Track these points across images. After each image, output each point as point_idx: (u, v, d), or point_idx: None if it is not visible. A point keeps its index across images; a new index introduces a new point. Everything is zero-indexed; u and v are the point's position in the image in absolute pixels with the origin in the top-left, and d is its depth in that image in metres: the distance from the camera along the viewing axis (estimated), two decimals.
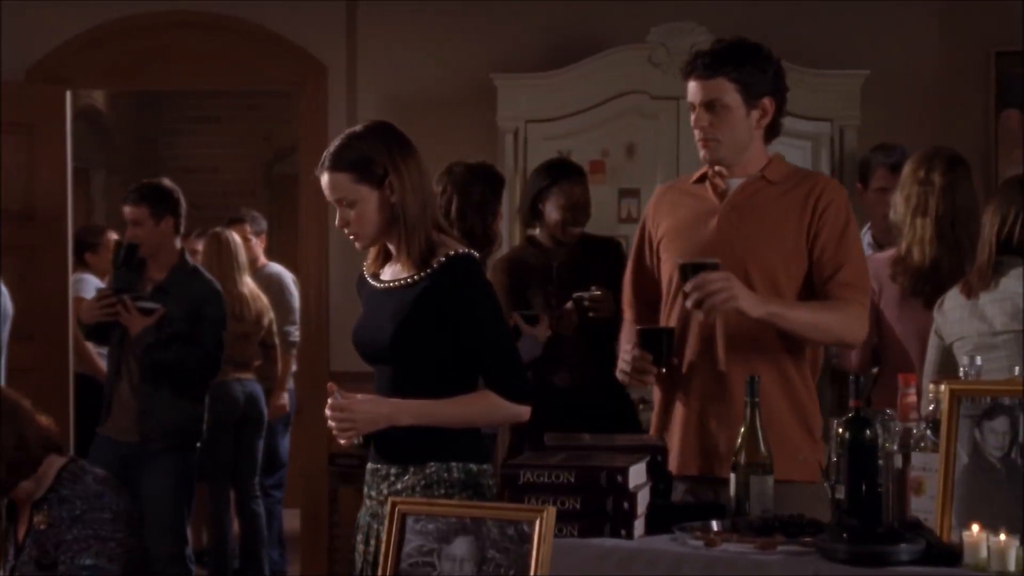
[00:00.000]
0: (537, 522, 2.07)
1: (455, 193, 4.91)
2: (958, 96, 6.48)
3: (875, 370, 4.68)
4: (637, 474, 3.01)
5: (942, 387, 2.84)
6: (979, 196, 4.60)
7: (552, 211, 5.08)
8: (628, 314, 3.72)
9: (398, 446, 3.19)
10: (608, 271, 4.94)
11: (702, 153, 3.51)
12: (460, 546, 2.06)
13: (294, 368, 7.34)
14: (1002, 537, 2.55)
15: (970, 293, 4.08)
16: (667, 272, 3.55)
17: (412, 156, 3.27)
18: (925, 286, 4.50)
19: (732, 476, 3.08)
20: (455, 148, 5.95)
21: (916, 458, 2.85)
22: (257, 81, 7.27)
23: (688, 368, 3.49)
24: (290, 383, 7.36)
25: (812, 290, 3.49)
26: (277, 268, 7.60)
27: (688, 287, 3.28)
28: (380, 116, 6.52)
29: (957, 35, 6.49)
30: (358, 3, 6.64)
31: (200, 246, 7.09)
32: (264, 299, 6.99)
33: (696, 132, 3.49)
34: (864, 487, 2.94)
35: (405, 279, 3.25)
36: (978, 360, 2.96)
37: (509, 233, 5.86)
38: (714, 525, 2.96)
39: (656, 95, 5.91)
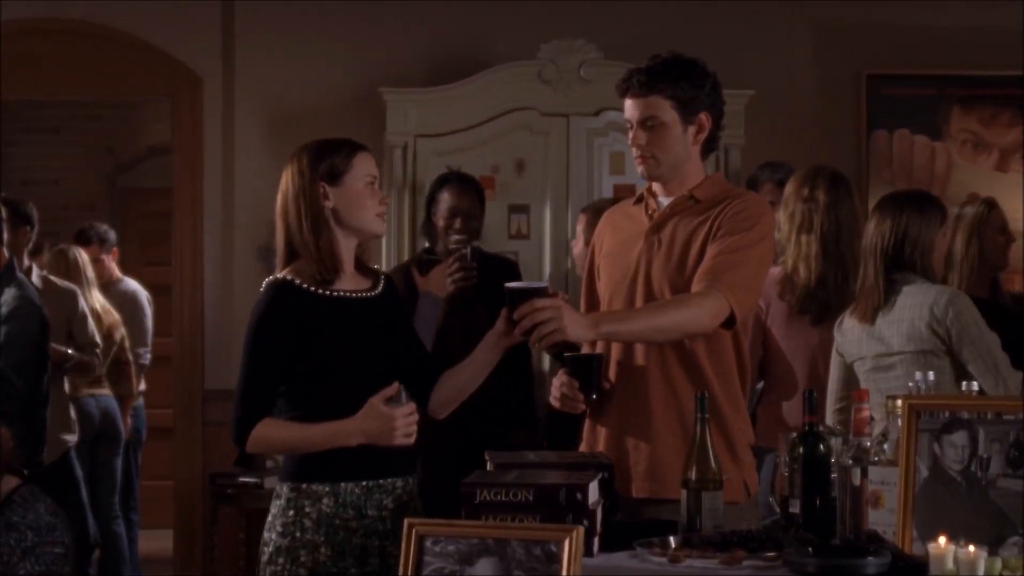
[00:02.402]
0: (567, 541, 2.03)
1: None
2: (832, 117, 6.64)
3: (760, 385, 4.75)
4: (593, 491, 2.99)
5: (899, 402, 2.88)
6: (860, 213, 4.70)
7: (440, 217, 5.08)
8: None
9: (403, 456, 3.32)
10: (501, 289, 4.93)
11: (640, 170, 3.50)
12: (484, 568, 2.01)
13: (142, 388, 7.19)
14: (971, 548, 2.59)
15: (864, 316, 4.16)
16: (601, 294, 3.56)
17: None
18: (812, 304, 4.58)
19: (683, 492, 3.07)
20: None
21: (874, 472, 2.89)
22: (128, 92, 7.10)
23: (609, 387, 3.48)
24: (139, 401, 7.20)
25: None
26: (133, 285, 7.40)
27: (516, 315, 3.17)
28: (259, 128, 6.48)
29: (831, 58, 6.65)
30: (235, 15, 6.52)
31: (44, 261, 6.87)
32: (115, 314, 6.80)
33: (634, 150, 3.48)
34: (819, 501, 2.98)
35: (366, 291, 3.38)
36: (931, 376, 3.02)
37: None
38: (672, 541, 2.95)
39: (546, 112, 5.93)
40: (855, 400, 2.99)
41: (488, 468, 3.21)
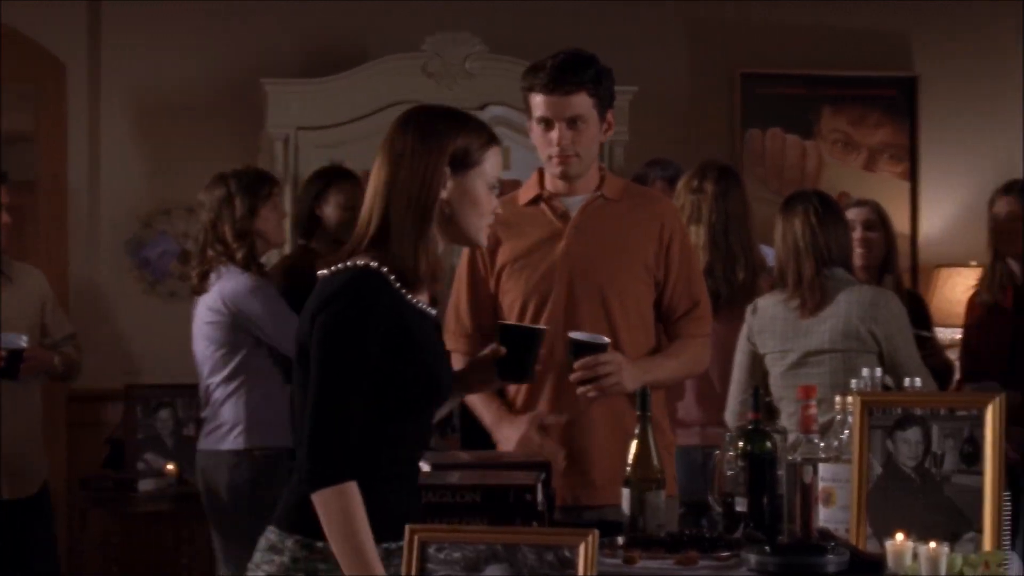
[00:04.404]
0: (581, 547, 1.96)
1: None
2: (707, 115, 6.67)
3: None
4: (538, 492, 2.92)
5: (850, 398, 2.87)
6: (750, 205, 4.75)
7: (332, 212, 4.99)
8: (462, 345, 3.53)
9: None
10: None
11: (559, 170, 3.44)
12: (493, 575, 1.92)
13: None
14: (932, 544, 2.59)
15: (804, 312, 4.19)
16: (512, 300, 3.47)
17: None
18: None
19: (625, 491, 3.02)
20: (218, 154, 5.74)
21: (825, 469, 2.88)
22: None
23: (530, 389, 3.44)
24: None
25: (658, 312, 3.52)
26: None
27: (577, 365, 3.24)
28: (127, 117, 6.26)
29: (706, 56, 6.69)
30: (102, 1, 6.28)
31: None
32: None
33: (554, 148, 3.41)
34: (766, 499, 2.96)
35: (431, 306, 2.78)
36: (878, 372, 3.02)
37: None
38: (619, 541, 2.90)
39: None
40: (802, 396, 2.97)
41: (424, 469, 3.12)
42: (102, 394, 6.02)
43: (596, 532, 2.04)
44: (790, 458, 2.93)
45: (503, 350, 2.85)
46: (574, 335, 3.26)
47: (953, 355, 5.30)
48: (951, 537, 2.69)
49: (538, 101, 3.42)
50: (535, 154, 5.69)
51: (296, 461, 2.58)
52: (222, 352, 4.59)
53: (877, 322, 4.15)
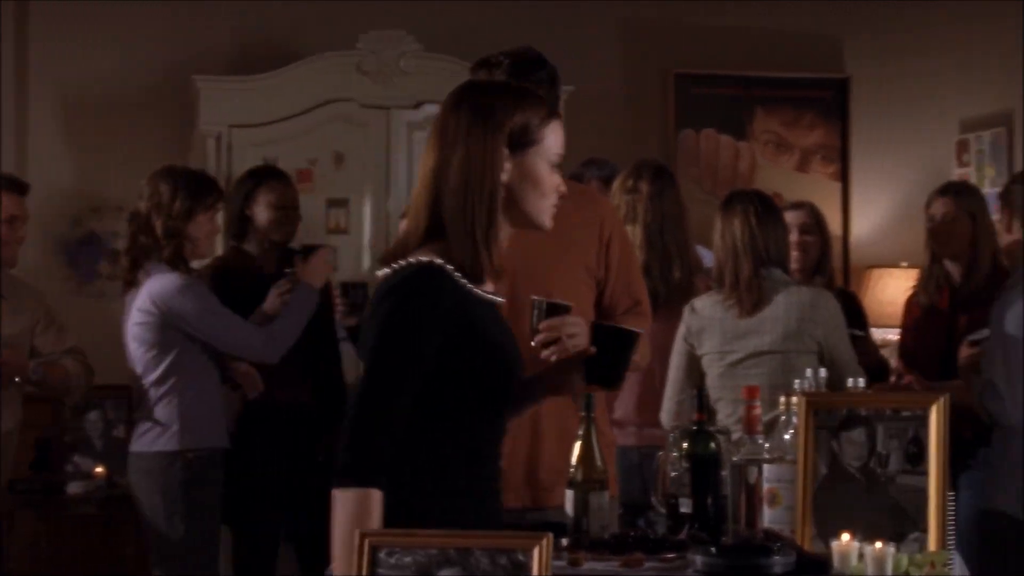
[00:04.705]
0: (535, 550, 1.93)
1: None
2: (641, 115, 6.67)
3: None
4: None
5: (794, 398, 2.87)
6: (685, 204, 4.76)
7: (262, 213, 4.94)
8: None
9: None
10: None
11: None
12: None
13: None
14: (878, 544, 2.59)
15: (742, 312, 4.20)
16: None
17: None
18: None
19: (569, 493, 3.00)
20: (149, 152, 5.66)
21: (769, 470, 2.87)
22: None
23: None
24: None
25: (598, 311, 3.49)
26: None
27: (543, 325, 3.09)
28: (56, 115, 6.16)
29: (640, 56, 6.69)
30: None
31: None
32: None
33: None
34: (710, 500, 2.95)
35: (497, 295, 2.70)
36: (822, 372, 3.02)
37: None
38: (563, 543, 2.88)
39: (365, 103, 5.80)
40: (747, 397, 2.97)
41: None
42: (30, 395, 5.91)
43: (550, 536, 2.02)
44: (735, 459, 2.92)
45: (593, 350, 2.71)
46: (538, 298, 3.14)
47: (886, 354, 5.34)
48: (896, 537, 2.70)
49: None
50: None
51: None
52: (153, 353, 4.52)
53: (816, 323, 4.18)
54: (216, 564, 4.65)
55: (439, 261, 2.42)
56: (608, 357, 2.70)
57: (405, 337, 2.39)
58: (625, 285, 3.49)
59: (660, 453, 3.10)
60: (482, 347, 2.46)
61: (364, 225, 5.80)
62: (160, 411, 4.51)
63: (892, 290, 6.21)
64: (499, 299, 2.59)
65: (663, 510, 3.05)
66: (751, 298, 4.20)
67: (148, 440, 4.51)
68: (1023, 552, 3.72)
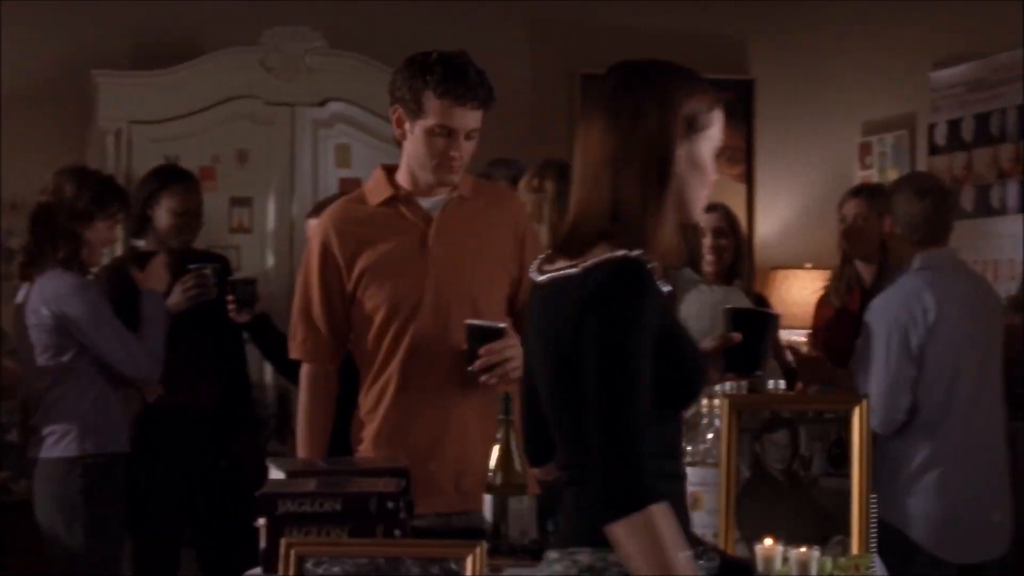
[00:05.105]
0: (469, 559, 1.87)
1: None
2: (546, 115, 6.63)
3: None
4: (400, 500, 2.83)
5: (716, 401, 2.84)
6: None
7: (163, 217, 4.87)
8: (318, 357, 3.42)
9: None
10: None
11: (446, 178, 3.35)
12: None
13: None
14: (803, 548, 2.57)
15: None
16: (375, 307, 3.35)
17: None
18: None
19: (488, 498, 2.95)
20: (45, 149, 5.54)
21: (693, 473, 2.83)
22: None
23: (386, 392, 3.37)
24: None
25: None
26: None
27: (484, 350, 3.20)
28: None
29: (546, 56, 6.66)
30: None
31: None
32: None
33: (447, 159, 3.32)
34: None
35: None
36: (780, 383, 2.99)
37: None
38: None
39: (270, 100, 5.68)
40: None
41: (271, 476, 3.00)
42: None
43: (484, 544, 1.96)
44: None
45: (737, 337, 2.52)
46: (474, 322, 3.21)
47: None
48: (819, 540, 2.68)
49: (443, 109, 3.29)
50: (377, 151, 5.70)
51: (576, 475, 2.26)
52: (47, 356, 4.41)
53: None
54: (118, 572, 4.54)
55: (635, 254, 2.22)
56: (748, 343, 2.51)
57: (635, 340, 2.19)
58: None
59: None
60: (680, 346, 2.30)
61: (268, 224, 5.69)
62: (58, 416, 4.39)
63: (796, 291, 6.23)
64: (670, 289, 2.38)
65: None
66: None
67: (47, 446, 4.39)
68: (897, 555, 3.70)
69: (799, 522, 2.71)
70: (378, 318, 3.34)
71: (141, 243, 4.97)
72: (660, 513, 2.12)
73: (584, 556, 2.20)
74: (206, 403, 4.86)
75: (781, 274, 6.49)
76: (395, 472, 3.00)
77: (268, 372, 5.48)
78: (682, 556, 2.14)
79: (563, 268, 2.28)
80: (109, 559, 4.44)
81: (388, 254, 3.35)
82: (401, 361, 3.33)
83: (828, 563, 2.58)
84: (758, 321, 2.58)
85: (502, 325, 3.25)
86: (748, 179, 6.88)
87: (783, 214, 6.77)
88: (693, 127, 2.30)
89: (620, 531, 2.12)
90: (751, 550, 2.64)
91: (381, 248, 3.36)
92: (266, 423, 5.43)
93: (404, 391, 3.32)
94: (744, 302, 4.26)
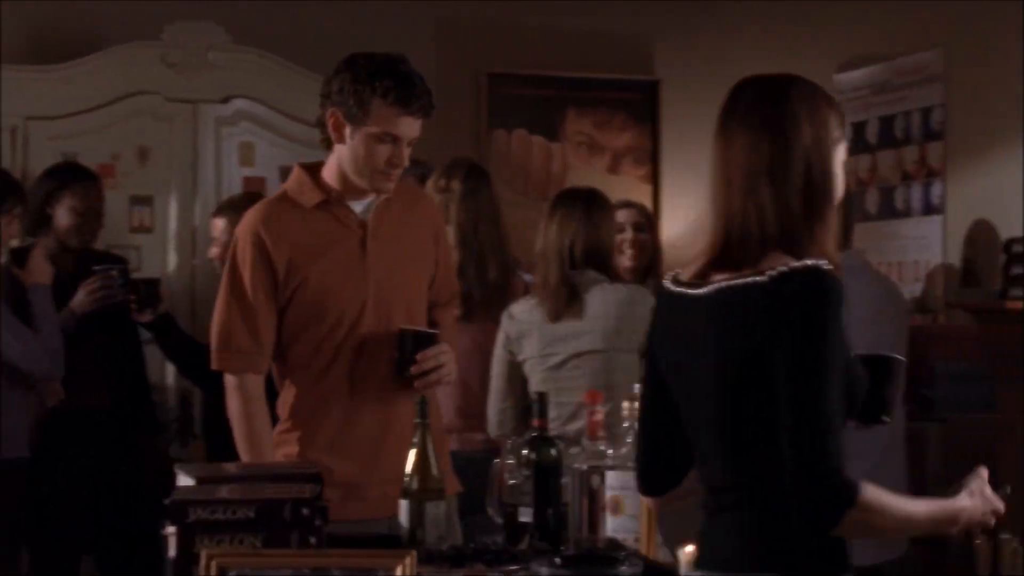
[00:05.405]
0: (399, 569, 1.81)
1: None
2: (452, 115, 6.55)
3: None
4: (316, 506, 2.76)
5: (637, 403, 2.80)
6: (499, 203, 4.70)
7: (64, 216, 4.78)
8: (254, 366, 3.31)
9: None
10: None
11: (383, 186, 3.30)
12: None
13: None
14: None
15: (551, 316, 4.15)
16: (314, 313, 3.29)
17: None
18: None
19: (404, 503, 2.89)
20: None
21: (613, 477, 2.80)
22: None
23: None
24: None
25: None
26: None
27: (421, 356, 3.21)
28: None
29: (452, 56, 6.60)
30: None
31: None
32: None
33: (388, 166, 3.27)
34: (551, 509, 2.87)
35: None
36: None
37: None
38: None
39: (171, 97, 5.56)
40: (588, 402, 2.89)
41: (179, 481, 2.92)
42: None
43: (414, 553, 1.91)
44: (577, 465, 2.84)
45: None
46: (409, 328, 3.23)
47: None
48: None
49: (390, 116, 3.24)
50: (282, 150, 5.61)
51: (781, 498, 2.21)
52: None
53: (636, 320, 4.13)
54: None
55: (823, 264, 2.24)
56: (873, 389, 2.44)
57: (836, 348, 2.21)
58: (447, 279, 3.52)
59: (496, 461, 3.01)
60: (848, 351, 2.28)
61: (169, 224, 5.57)
62: None
63: None
64: None
65: (499, 520, 2.96)
66: (563, 299, 4.15)
67: None
68: None
69: None
70: (321, 324, 3.29)
71: (14, 242, 4.84)
72: (868, 493, 2.17)
73: None
74: (106, 406, 4.77)
75: None
76: (308, 477, 2.94)
77: (170, 375, 5.37)
78: (911, 505, 2.24)
79: (733, 278, 2.27)
80: (6, 567, 4.32)
81: (332, 261, 3.30)
82: (347, 366, 3.28)
83: None
84: (887, 366, 2.56)
85: (435, 331, 3.26)
86: (654, 180, 6.89)
87: (689, 215, 6.76)
88: (834, 140, 2.35)
89: (847, 530, 2.18)
90: (674, 555, 2.60)
91: (322, 254, 3.30)
92: (168, 426, 5.32)
93: (347, 396, 3.27)
94: (648, 299, 4.22)
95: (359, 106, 3.21)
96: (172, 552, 2.57)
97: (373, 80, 3.20)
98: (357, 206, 3.33)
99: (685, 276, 2.36)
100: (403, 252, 3.35)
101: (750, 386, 2.22)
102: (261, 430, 3.32)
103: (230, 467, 3.05)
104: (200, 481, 2.87)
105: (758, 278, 2.24)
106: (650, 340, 2.43)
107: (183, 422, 5.39)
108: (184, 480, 2.89)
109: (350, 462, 3.22)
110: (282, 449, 3.33)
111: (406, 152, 3.28)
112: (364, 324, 3.28)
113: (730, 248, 2.30)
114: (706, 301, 2.29)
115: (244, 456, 3.31)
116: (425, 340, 3.24)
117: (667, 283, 2.39)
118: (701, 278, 2.32)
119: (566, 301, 4.14)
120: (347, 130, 3.25)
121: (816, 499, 2.16)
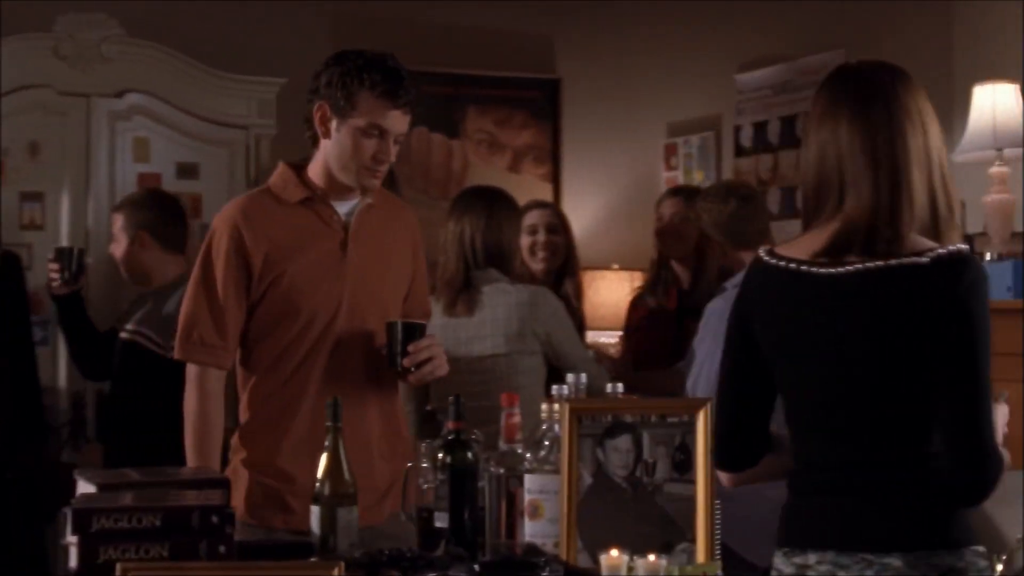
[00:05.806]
0: None
1: None
2: None
3: None
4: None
5: (556, 405, 2.74)
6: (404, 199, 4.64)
7: None
8: (225, 361, 3.24)
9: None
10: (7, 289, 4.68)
11: (369, 182, 3.22)
12: None
13: None
14: (651, 557, 2.49)
15: (447, 310, 4.09)
16: (292, 312, 3.21)
17: None
18: None
19: (315, 509, 2.79)
20: None
21: (532, 480, 2.73)
22: None
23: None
24: None
25: None
26: None
27: (413, 347, 3.14)
28: None
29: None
30: None
31: None
32: None
33: (375, 161, 3.19)
34: (467, 513, 2.80)
35: None
36: (619, 387, 2.90)
37: None
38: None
39: (63, 90, 5.41)
40: (505, 404, 2.82)
41: (80, 489, 2.80)
42: None
43: (342, 563, 1.82)
44: (493, 469, 2.77)
45: None
46: (399, 320, 3.20)
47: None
48: (664, 547, 2.60)
49: (378, 109, 3.17)
50: (178, 145, 5.48)
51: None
52: None
53: (538, 320, 4.09)
54: None
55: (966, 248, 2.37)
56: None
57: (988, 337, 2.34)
58: (420, 294, 3.45)
59: (409, 464, 2.94)
60: None
61: (62, 221, 5.41)
62: None
63: (604, 292, 6.20)
64: None
65: (415, 525, 2.88)
66: (462, 300, 4.10)
67: None
68: None
69: (643, 530, 2.63)
70: (293, 323, 3.22)
71: None
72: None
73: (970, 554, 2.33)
74: None
75: (589, 275, 6.43)
76: (215, 483, 2.84)
77: (62, 377, 5.22)
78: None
79: (885, 260, 2.34)
80: None
81: (311, 259, 3.23)
82: (316, 370, 3.22)
83: (675, 571, 2.50)
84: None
85: (423, 322, 3.23)
86: (554, 179, 6.86)
87: (590, 214, 6.74)
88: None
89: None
90: (595, 559, 2.55)
91: (301, 251, 3.23)
92: (59, 431, 5.17)
93: (315, 401, 3.18)
94: (549, 298, 4.17)
95: (347, 99, 3.16)
96: (73, 563, 2.47)
97: (361, 73, 3.16)
98: (341, 207, 3.27)
99: (796, 254, 2.40)
100: (382, 259, 3.30)
101: (907, 362, 2.32)
102: (213, 432, 3.23)
103: (132, 473, 2.93)
104: (101, 488, 2.76)
105: (918, 259, 2.32)
106: (741, 318, 2.48)
107: (75, 426, 5.23)
108: (84, 487, 2.78)
109: (315, 469, 3.13)
110: (240, 454, 3.25)
111: (393, 149, 3.22)
112: (336, 327, 3.22)
113: (871, 230, 2.36)
114: (851, 280, 2.35)
115: (190, 457, 3.23)
116: (415, 331, 3.18)
117: (772, 260, 2.43)
118: (827, 257, 2.37)
119: (459, 292, 4.09)
120: (333, 123, 3.20)
121: (983, 471, 2.29)
